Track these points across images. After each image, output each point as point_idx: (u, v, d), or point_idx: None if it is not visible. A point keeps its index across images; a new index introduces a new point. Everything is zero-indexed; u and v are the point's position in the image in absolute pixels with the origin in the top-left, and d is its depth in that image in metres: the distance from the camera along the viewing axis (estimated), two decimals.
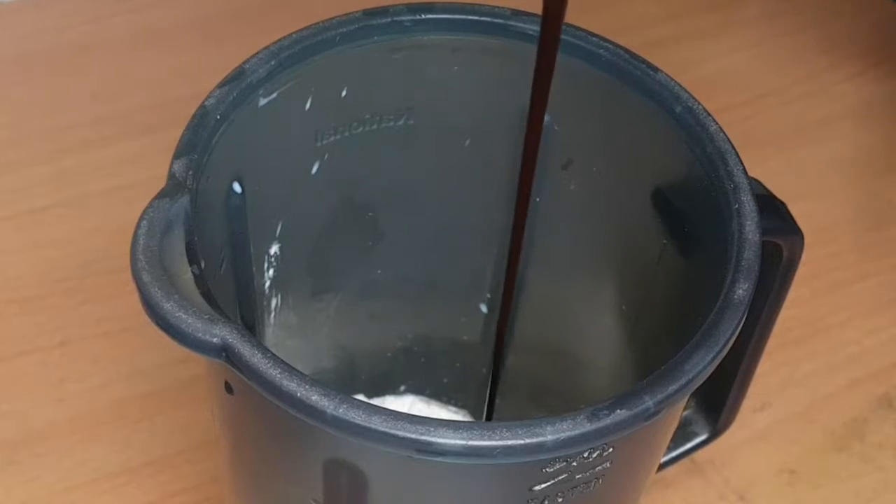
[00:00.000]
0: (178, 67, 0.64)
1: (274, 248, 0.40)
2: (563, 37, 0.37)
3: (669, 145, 0.36)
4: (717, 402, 0.44)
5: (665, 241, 0.37)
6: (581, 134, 0.39)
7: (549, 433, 0.28)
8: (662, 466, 0.45)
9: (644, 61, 0.37)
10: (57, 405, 0.50)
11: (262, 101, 0.36)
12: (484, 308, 0.45)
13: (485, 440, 0.28)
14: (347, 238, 0.42)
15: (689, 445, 0.45)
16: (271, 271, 0.40)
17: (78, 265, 0.54)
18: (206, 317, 0.29)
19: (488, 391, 0.43)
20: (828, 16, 0.71)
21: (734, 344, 0.31)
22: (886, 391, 0.53)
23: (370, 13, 0.37)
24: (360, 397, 0.29)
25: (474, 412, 0.48)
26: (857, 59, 0.69)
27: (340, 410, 0.28)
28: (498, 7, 0.38)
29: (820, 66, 0.68)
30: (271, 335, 0.42)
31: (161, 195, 0.32)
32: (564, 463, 0.30)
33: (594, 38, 0.37)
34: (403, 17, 0.37)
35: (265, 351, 0.29)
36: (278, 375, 0.29)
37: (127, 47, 0.65)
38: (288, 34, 0.36)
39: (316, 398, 0.28)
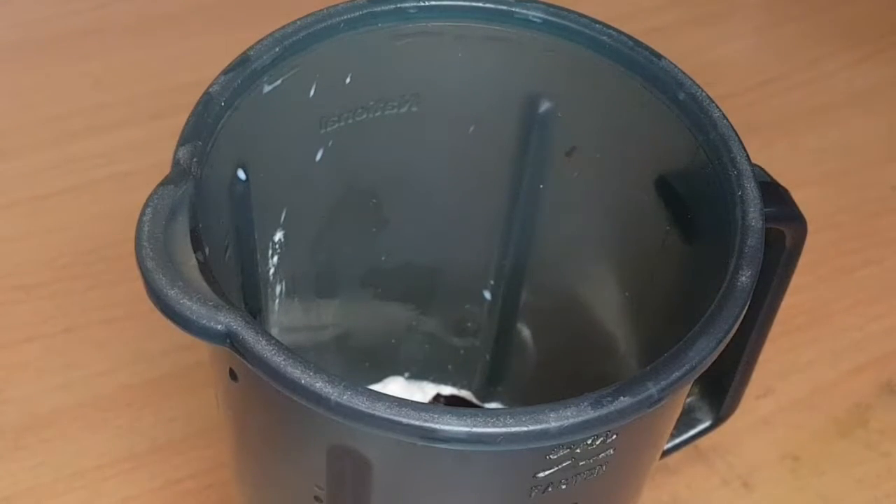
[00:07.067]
0: (183, 54, 0.64)
1: (278, 235, 0.40)
2: (567, 23, 0.37)
3: (673, 132, 0.36)
4: (720, 389, 0.44)
5: (668, 228, 0.37)
6: (584, 121, 0.39)
7: (553, 420, 0.28)
8: (666, 453, 0.45)
9: (647, 48, 0.37)
10: (62, 391, 0.50)
11: (267, 88, 0.36)
12: (487, 295, 0.45)
13: (488, 427, 0.28)
14: (351, 225, 0.42)
15: (692, 432, 0.45)
16: (276, 258, 0.40)
17: (82, 252, 0.55)
18: (211, 304, 0.29)
19: None
20: (830, 3, 0.71)
21: (737, 331, 0.31)
22: (890, 377, 0.53)
23: (375, 0, 0.37)
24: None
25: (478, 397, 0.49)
26: (860, 45, 0.69)
27: (345, 397, 0.28)
28: None
29: (823, 52, 0.68)
30: (276, 322, 0.42)
31: (165, 182, 0.32)
32: (568, 450, 0.30)
33: (597, 25, 0.37)
34: (408, 4, 0.37)
35: (269, 338, 0.29)
36: (282, 362, 0.29)
37: (131, 33, 0.65)
38: (292, 21, 0.36)
39: (320, 385, 0.28)
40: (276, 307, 0.42)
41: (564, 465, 0.31)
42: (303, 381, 0.28)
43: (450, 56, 0.39)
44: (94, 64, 0.63)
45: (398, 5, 0.37)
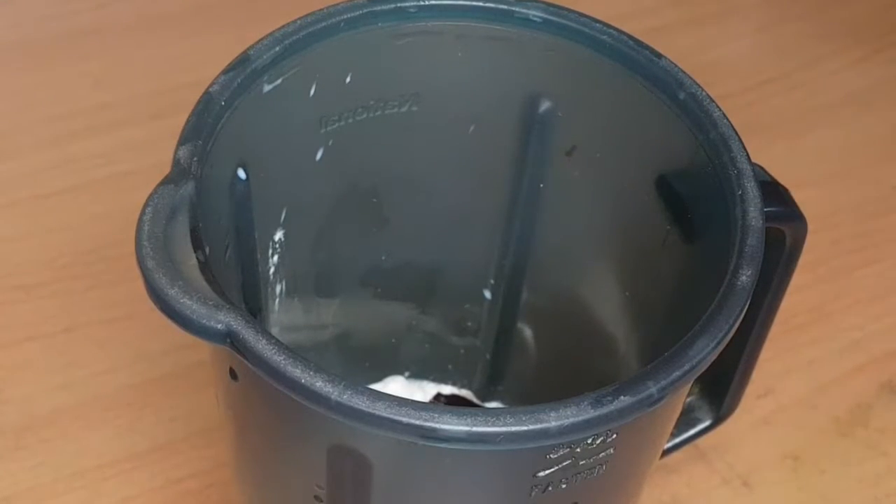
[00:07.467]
0: (183, 54, 0.64)
1: (278, 235, 0.40)
2: (567, 23, 0.38)
3: (673, 132, 0.36)
4: (720, 389, 0.44)
5: (669, 228, 0.37)
6: (585, 120, 0.39)
7: (553, 419, 0.28)
8: (666, 452, 0.45)
9: (648, 47, 0.37)
10: (62, 391, 0.50)
11: (267, 88, 0.36)
12: (488, 294, 0.45)
13: (488, 426, 0.28)
14: (352, 224, 0.42)
15: (692, 431, 0.45)
16: (276, 258, 0.40)
17: (83, 251, 0.55)
18: (211, 303, 0.30)
19: None
20: (830, 2, 0.71)
21: (737, 330, 0.32)
22: (890, 377, 0.53)
23: (374, 0, 0.37)
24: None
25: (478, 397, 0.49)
26: (860, 45, 0.69)
27: (345, 396, 0.28)
28: None
29: (822, 52, 0.68)
30: (276, 321, 0.42)
31: (166, 181, 0.32)
32: (568, 449, 0.30)
33: (598, 25, 0.37)
34: (408, 4, 0.37)
35: (269, 337, 0.29)
36: (282, 361, 0.29)
37: (131, 33, 0.65)
38: (292, 20, 0.37)
39: (320, 384, 0.28)
40: (277, 306, 0.42)
41: (564, 464, 0.31)
42: (303, 381, 0.28)
43: (450, 55, 0.39)
44: (93, 64, 0.63)
45: (398, 5, 0.37)
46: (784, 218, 0.36)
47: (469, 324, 0.46)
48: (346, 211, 0.41)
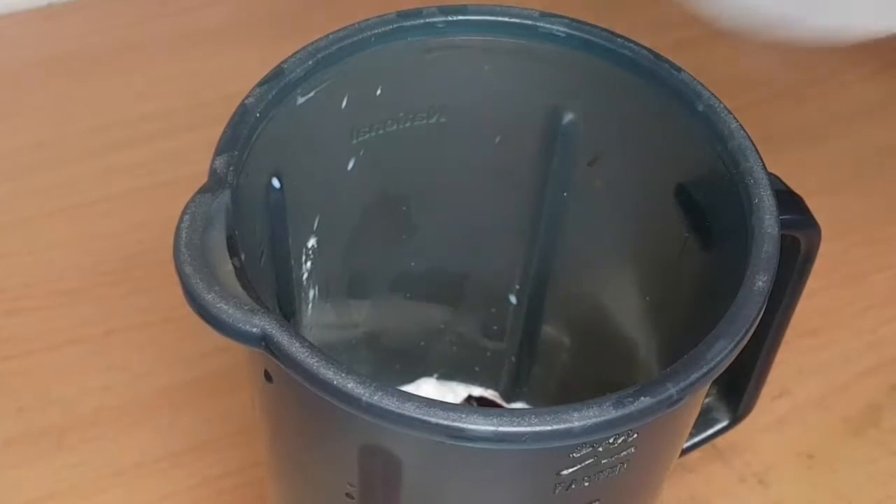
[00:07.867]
0: (219, 68, 0.64)
1: (311, 242, 0.40)
2: (589, 37, 0.38)
3: (692, 142, 0.36)
4: (737, 390, 0.44)
5: (687, 235, 0.37)
6: (607, 132, 0.39)
7: (577, 419, 0.29)
8: (685, 452, 0.45)
9: (667, 61, 0.37)
10: (104, 392, 0.51)
11: (300, 100, 0.36)
12: (513, 299, 0.45)
13: (514, 426, 0.29)
14: (382, 231, 0.42)
15: (710, 431, 0.45)
16: (309, 264, 0.41)
17: (123, 258, 0.55)
18: (247, 307, 0.30)
19: None
20: None
21: (754, 333, 0.32)
22: None
23: (404, 15, 0.38)
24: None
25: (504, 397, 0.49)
26: (872, 58, 0.68)
27: (375, 398, 0.29)
28: (527, 9, 0.38)
29: (836, 65, 0.68)
30: (309, 325, 0.42)
31: (203, 190, 0.33)
32: (591, 448, 0.31)
33: (619, 39, 0.38)
34: (436, 19, 0.38)
35: (303, 340, 0.30)
36: (315, 364, 0.29)
37: (169, 48, 0.66)
38: (325, 35, 0.37)
39: (351, 386, 0.29)
40: (310, 310, 0.42)
41: (587, 463, 0.31)
42: (335, 383, 0.29)
43: (476, 69, 0.39)
44: (133, 77, 0.64)
45: (426, 20, 0.38)
46: (799, 226, 0.36)
47: (495, 327, 0.46)
48: (377, 219, 0.42)
